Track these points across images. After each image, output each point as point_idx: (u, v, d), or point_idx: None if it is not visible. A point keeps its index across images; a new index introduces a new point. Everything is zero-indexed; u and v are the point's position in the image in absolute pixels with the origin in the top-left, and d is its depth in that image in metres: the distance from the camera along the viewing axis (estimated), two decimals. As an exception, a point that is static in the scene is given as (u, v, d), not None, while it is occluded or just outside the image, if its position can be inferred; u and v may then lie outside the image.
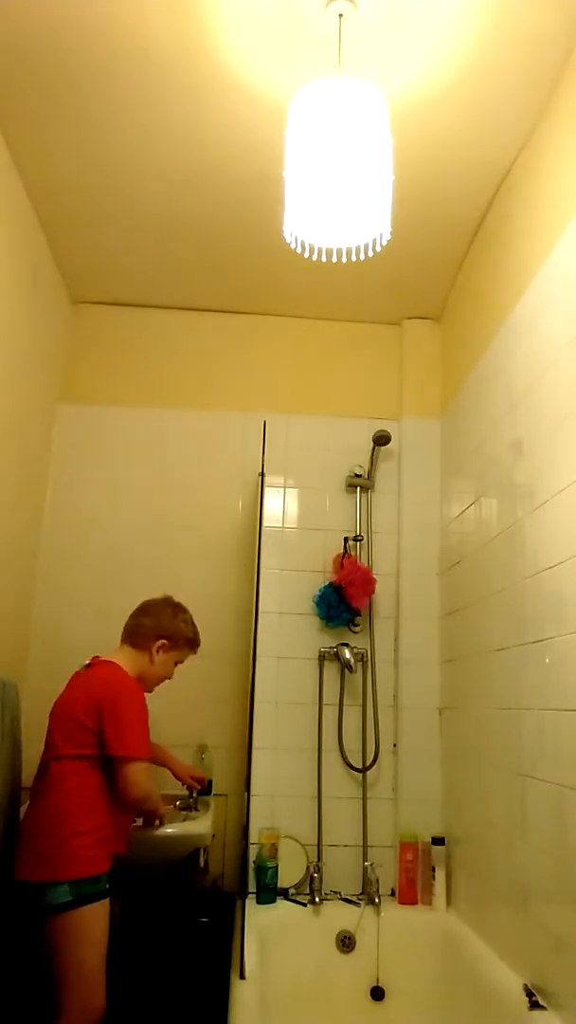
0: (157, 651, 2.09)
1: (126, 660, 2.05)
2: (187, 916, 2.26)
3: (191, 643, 2.17)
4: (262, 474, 2.75)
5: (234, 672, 2.76)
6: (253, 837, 2.54)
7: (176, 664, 2.16)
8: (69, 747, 1.86)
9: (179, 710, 2.67)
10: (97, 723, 1.86)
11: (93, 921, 1.77)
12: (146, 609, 2.16)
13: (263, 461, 2.57)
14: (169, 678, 2.17)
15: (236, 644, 2.76)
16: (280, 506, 2.93)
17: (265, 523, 2.89)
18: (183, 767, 2.41)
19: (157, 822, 2.11)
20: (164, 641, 2.09)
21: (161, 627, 2.10)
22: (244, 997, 1.77)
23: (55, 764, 1.87)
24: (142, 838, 2.14)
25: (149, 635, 2.09)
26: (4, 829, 1.94)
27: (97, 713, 1.87)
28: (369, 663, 2.76)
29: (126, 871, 2.22)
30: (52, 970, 1.76)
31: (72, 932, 1.75)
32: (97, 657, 2.06)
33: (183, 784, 2.39)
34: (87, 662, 2.06)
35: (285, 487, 2.95)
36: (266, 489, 2.93)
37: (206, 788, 2.44)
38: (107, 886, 1.82)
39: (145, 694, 2.01)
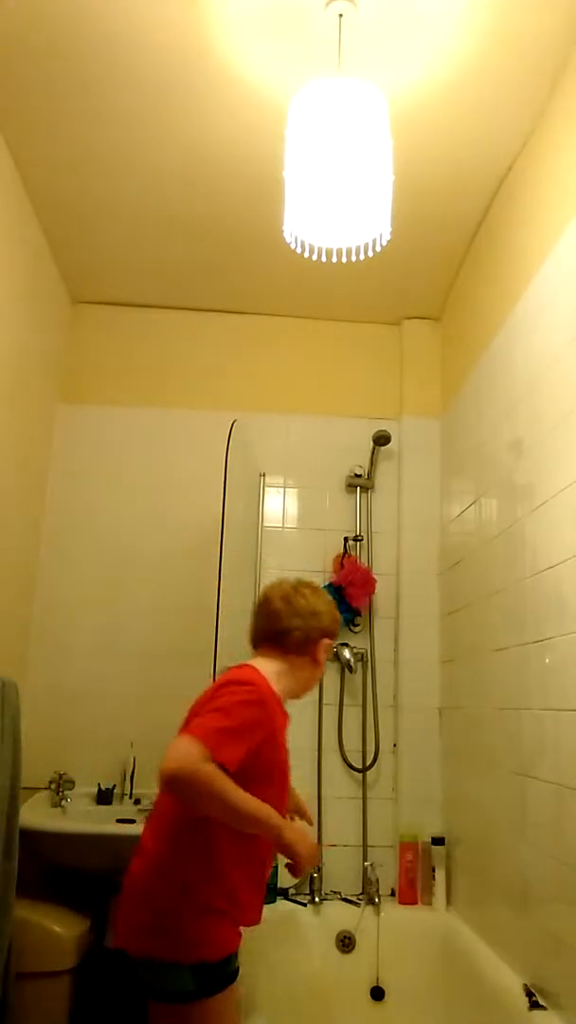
0: (324, 651, 1.63)
1: (273, 671, 1.56)
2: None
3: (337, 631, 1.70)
4: (262, 474, 2.75)
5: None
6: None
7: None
8: None
9: (179, 710, 2.67)
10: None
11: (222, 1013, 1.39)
12: (291, 606, 1.61)
13: (225, 460, 2.55)
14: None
15: (236, 644, 2.76)
16: (280, 506, 2.93)
17: (265, 523, 2.89)
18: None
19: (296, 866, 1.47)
20: (328, 640, 1.63)
21: (320, 625, 1.62)
22: (244, 996, 1.77)
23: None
24: (137, 837, 2.14)
25: (313, 635, 1.60)
26: (4, 829, 1.94)
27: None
28: (369, 663, 2.76)
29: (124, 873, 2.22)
30: None
31: None
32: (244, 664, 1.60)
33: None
34: (230, 666, 1.64)
35: (285, 487, 2.95)
36: (266, 489, 2.94)
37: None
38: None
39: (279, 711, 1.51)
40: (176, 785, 1.27)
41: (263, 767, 1.41)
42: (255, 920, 1.47)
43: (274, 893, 2.44)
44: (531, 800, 1.81)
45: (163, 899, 1.38)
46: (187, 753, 1.29)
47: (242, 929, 1.45)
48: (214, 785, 1.27)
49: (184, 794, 1.29)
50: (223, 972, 1.38)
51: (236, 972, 1.42)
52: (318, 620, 1.61)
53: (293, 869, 1.46)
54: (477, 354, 2.48)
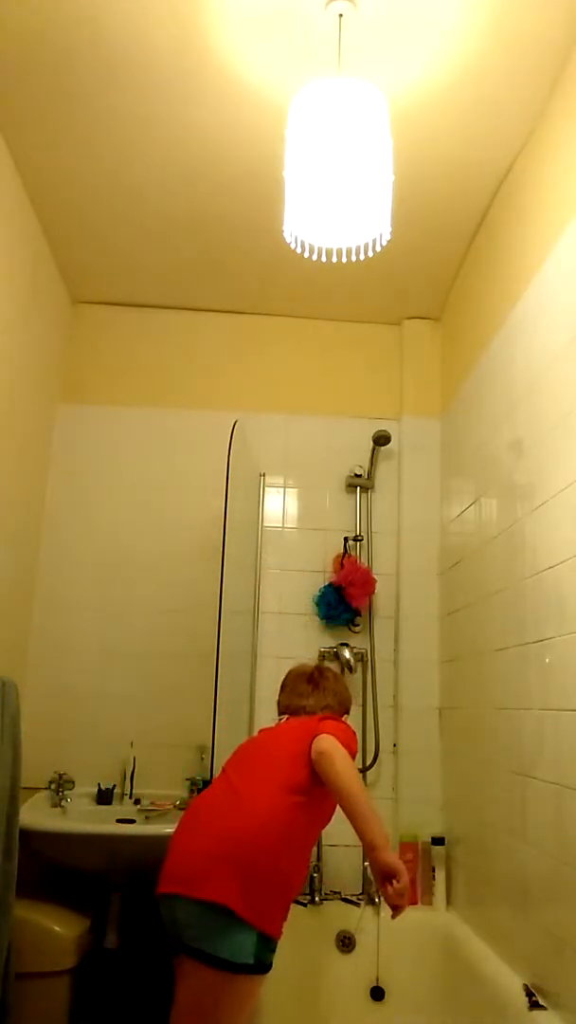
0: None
1: None
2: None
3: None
4: (262, 474, 2.75)
5: (235, 672, 2.75)
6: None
7: None
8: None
9: (179, 710, 2.68)
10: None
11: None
12: (318, 685, 1.96)
13: (228, 460, 2.55)
14: None
15: (237, 644, 2.76)
16: (280, 506, 2.93)
17: (265, 523, 2.89)
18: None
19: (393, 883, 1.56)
20: (347, 714, 1.98)
21: (346, 699, 1.99)
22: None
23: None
24: (140, 838, 2.15)
25: (337, 711, 1.94)
26: (4, 829, 1.94)
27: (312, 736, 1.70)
28: (369, 663, 2.76)
29: (125, 872, 2.23)
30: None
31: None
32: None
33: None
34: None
35: (285, 487, 2.95)
36: (266, 489, 2.94)
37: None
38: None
39: None
40: (334, 755, 1.61)
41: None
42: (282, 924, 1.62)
43: None
44: (531, 800, 1.81)
45: (263, 871, 1.53)
46: (335, 745, 1.63)
47: None
48: (353, 767, 1.61)
49: (335, 764, 1.59)
50: (272, 954, 1.52)
51: (271, 965, 1.53)
52: (342, 696, 1.99)
53: (392, 900, 1.56)
54: (477, 354, 2.48)
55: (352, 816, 1.56)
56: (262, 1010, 1.78)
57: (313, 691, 1.93)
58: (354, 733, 1.78)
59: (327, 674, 1.98)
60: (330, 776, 1.59)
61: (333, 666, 2.75)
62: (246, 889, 1.49)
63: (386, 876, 1.52)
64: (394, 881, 1.51)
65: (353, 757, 1.69)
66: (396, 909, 1.53)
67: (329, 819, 1.73)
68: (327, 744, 1.63)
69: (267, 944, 1.50)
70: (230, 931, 1.46)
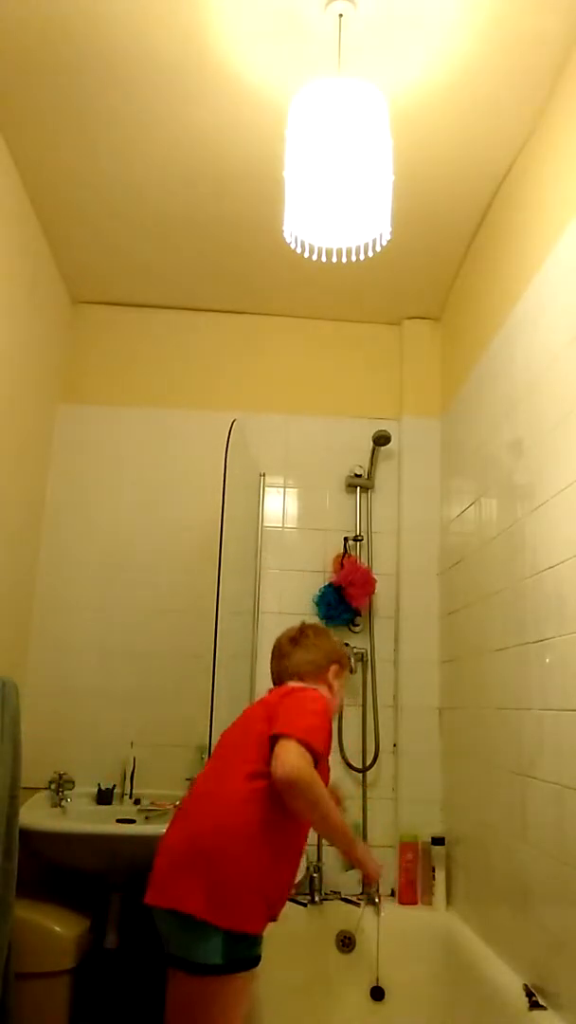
0: (336, 675, 1.84)
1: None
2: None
3: (350, 661, 1.98)
4: (262, 474, 2.75)
5: (235, 672, 2.75)
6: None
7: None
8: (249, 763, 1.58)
9: (179, 710, 2.68)
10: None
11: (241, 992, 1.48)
12: (298, 642, 1.86)
13: (225, 460, 2.55)
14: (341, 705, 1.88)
15: (237, 645, 2.76)
16: (280, 506, 2.93)
17: (265, 523, 2.89)
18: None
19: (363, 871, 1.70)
20: (336, 665, 1.85)
21: (329, 652, 1.86)
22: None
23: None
24: (140, 838, 2.15)
25: (322, 663, 1.82)
26: (4, 829, 1.94)
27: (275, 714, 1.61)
28: (369, 663, 2.76)
29: (125, 872, 2.23)
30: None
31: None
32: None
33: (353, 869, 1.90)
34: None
35: (285, 487, 2.95)
36: (266, 489, 2.94)
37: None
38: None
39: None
40: (293, 790, 1.46)
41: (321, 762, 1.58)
42: (282, 905, 1.59)
43: None
44: (531, 800, 1.81)
45: (224, 866, 1.47)
46: (300, 762, 1.47)
47: None
48: (322, 797, 1.48)
49: (297, 799, 1.47)
50: (249, 951, 1.47)
51: (258, 959, 1.50)
52: (325, 647, 1.87)
53: (367, 879, 1.76)
54: (477, 354, 2.48)
55: (324, 837, 1.65)
56: (262, 1010, 1.78)
57: (294, 648, 1.85)
58: (323, 707, 1.63)
59: (308, 631, 1.89)
60: (295, 811, 1.51)
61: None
62: (210, 890, 1.44)
63: (365, 867, 1.67)
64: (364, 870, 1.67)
65: (325, 737, 1.57)
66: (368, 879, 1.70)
67: None
68: (283, 771, 1.45)
69: (239, 942, 1.44)
70: (197, 935, 1.43)
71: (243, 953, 1.45)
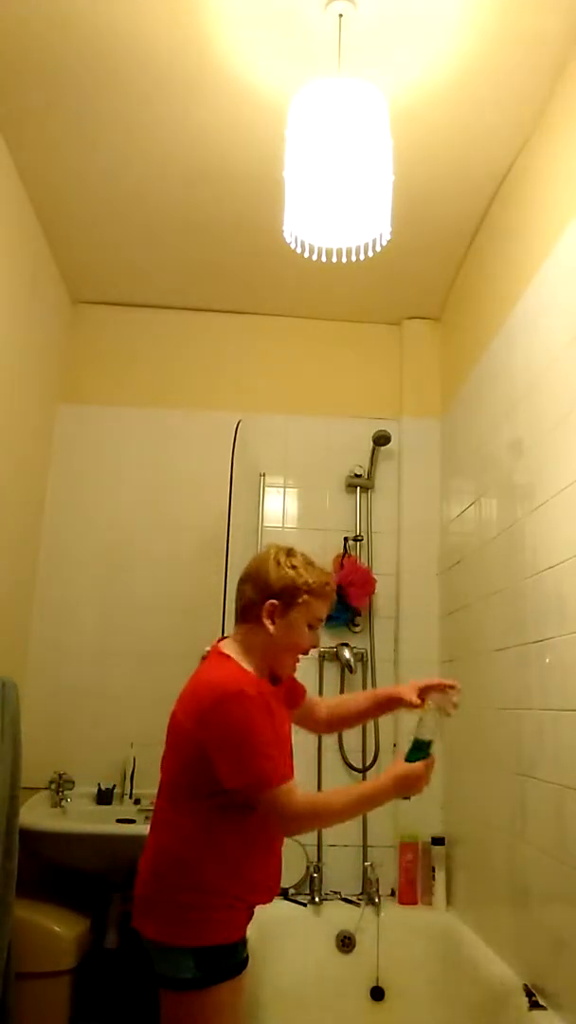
0: (269, 618, 1.50)
1: (239, 645, 1.53)
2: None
3: (315, 591, 1.52)
4: (262, 474, 2.75)
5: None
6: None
7: (311, 627, 1.54)
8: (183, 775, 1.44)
9: (179, 710, 2.67)
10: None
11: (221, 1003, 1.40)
12: (245, 572, 1.58)
13: (232, 459, 2.54)
14: (313, 646, 1.56)
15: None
16: (280, 506, 2.93)
17: (265, 523, 2.89)
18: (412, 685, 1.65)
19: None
20: (274, 602, 1.50)
21: (266, 585, 1.51)
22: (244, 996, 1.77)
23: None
24: (140, 838, 2.15)
25: (255, 601, 1.52)
26: (4, 829, 1.94)
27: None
28: (369, 663, 2.76)
29: (124, 872, 2.23)
30: None
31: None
32: (218, 643, 1.58)
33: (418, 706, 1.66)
34: (207, 648, 1.59)
35: (285, 487, 2.95)
36: (266, 489, 2.94)
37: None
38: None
39: (268, 687, 1.49)
40: (303, 831, 1.51)
41: None
42: (269, 897, 1.49)
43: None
44: (531, 800, 1.81)
45: (169, 883, 1.40)
46: (285, 811, 1.38)
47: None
48: (323, 814, 1.44)
49: (313, 829, 1.43)
50: (228, 960, 1.39)
51: (244, 962, 1.43)
52: (262, 579, 1.51)
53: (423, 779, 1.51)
54: (477, 354, 2.48)
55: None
56: (262, 1010, 1.78)
57: (238, 587, 1.58)
58: (242, 730, 1.36)
59: (258, 556, 1.59)
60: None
61: (333, 666, 2.76)
62: (167, 913, 1.39)
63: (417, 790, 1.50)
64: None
65: (270, 764, 1.37)
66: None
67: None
68: (287, 833, 1.44)
69: (209, 956, 1.37)
70: (167, 955, 1.39)
71: (220, 964, 1.38)
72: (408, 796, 1.53)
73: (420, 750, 1.52)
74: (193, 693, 1.46)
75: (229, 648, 1.52)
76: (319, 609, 1.54)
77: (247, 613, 1.54)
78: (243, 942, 1.44)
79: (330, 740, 2.70)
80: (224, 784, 1.37)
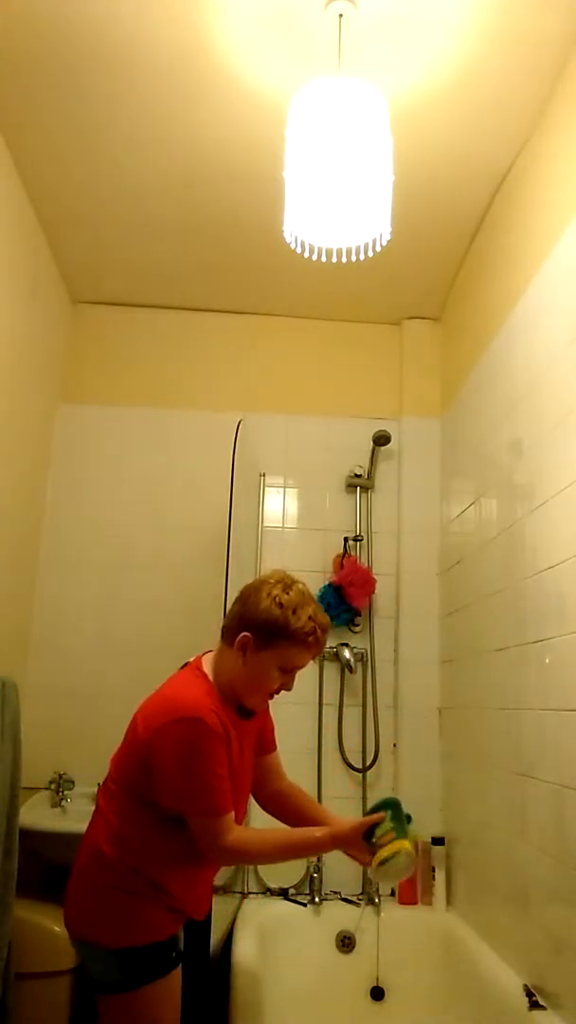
0: (241, 650, 1.44)
1: (217, 663, 1.50)
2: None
3: (296, 638, 1.42)
4: (262, 474, 2.75)
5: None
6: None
7: (284, 671, 1.45)
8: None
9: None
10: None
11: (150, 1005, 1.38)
12: (242, 591, 1.52)
13: (233, 458, 2.51)
14: (285, 690, 1.49)
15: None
16: (280, 506, 2.93)
17: (265, 523, 2.89)
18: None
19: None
20: (247, 635, 1.43)
21: (248, 615, 1.45)
22: (244, 997, 1.77)
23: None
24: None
25: (235, 627, 1.46)
26: (4, 829, 1.94)
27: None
28: (369, 663, 2.76)
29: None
30: None
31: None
32: (201, 656, 1.55)
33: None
34: (191, 659, 1.56)
35: (285, 487, 2.95)
36: (266, 489, 2.94)
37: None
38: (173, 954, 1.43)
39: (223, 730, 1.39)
40: (227, 864, 1.50)
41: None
42: (197, 913, 1.48)
43: None
44: (531, 800, 1.81)
45: (90, 881, 1.41)
46: (214, 843, 1.35)
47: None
48: (259, 853, 1.46)
49: (237, 864, 1.44)
50: (152, 960, 1.37)
51: (173, 961, 1.41)
52: (249, 606, 1.45)
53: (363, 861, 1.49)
54: (477, 354, 2.48)
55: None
56: (262, 1010, 1.78)
57: (233, 602, 1.54)
58: (190, 760, 1.32)
59: (254, 582, 1.52)
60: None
61: (333, 666, 2.76)
62: (88, 917, 1.40)
63: (351, 855, 1.49)
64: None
65: (215, 795, 1.33)
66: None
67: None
68: (217, 863, 1.46)
69: (132, 957, 1.36)
70: (93, 957, 1.39)
71: (144, 965, 1.36)
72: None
73: (381, 840, 1.44)
74: (157, 703, 1.43)
75: (207, 666, 1.49)
76: (297, 657, 1.44)
77: (227, 634, 1.49)
78: (171, 941, 1.41)
79: (330, 740, 2.70)
80: (160, 801, 1.36)
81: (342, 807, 2.64)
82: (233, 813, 1.37)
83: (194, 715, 1.34)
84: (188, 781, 1.34)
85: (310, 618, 1.43)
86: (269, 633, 1.42)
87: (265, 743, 1.65)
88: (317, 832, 1.47)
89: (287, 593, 1.45)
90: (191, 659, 1.54)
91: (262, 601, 1.43)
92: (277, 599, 1.43)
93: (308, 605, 1.46)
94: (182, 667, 1.54)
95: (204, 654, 1.54)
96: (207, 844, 1.36)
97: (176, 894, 1.41)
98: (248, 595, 1.47)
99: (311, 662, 1.50)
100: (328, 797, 2.64)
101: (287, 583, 1.48)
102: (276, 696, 1.51)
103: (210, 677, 1.46)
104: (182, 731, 1.33)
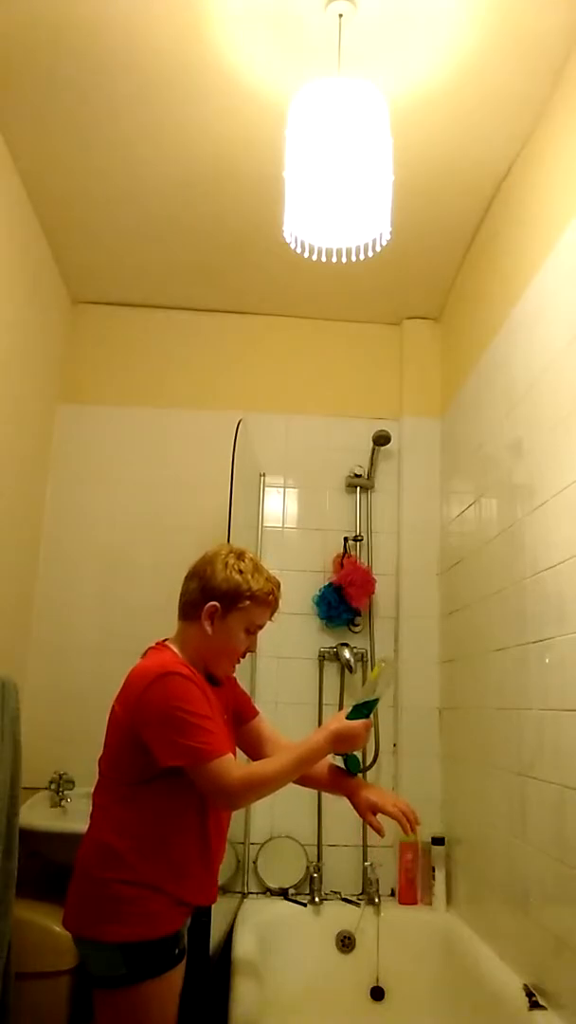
0: (208, 619, 1.52)
1: (180, 640, 1.57)
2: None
3: (258, 598, 1.53)
4: (262, 474, 2.74)
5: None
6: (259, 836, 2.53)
7: (249, 632, 1.56)
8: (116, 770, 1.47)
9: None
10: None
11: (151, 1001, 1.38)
12: (192, 569, 1.60)
13: (232, 458, 2.53)
14: (249, 651, 1.60)
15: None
16: (280, 506, 2.93)
17: (265, 523, 2.89)
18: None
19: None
20: (215, 604, 1.52)
21: (209, 586, 1.53)
22: (244, 996, 1.77)
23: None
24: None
25: (197, 601, 1.54)
26: (4, 829, 1.94)
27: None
28: (369, 663, 2.76)
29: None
30: None
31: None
32: (156, 643, 1.61)
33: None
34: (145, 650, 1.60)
35: (285, 487, 2.95)
36: (266, 489, 2.94)
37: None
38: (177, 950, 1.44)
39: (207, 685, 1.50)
40: (243, 804, 1.51)
41: None
42: (206, 899, 1.48)
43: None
44: (531, 800, 1.81)
45: (98, 876, 1.41)
46: (223, 784, 1.37)
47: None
48: (262, 781, 1.42)
49: (253, 800, 1.46)
50: (159, 954, 1.38)
51: (178, 955, 1.42)
52: (208, 579, 1.53)
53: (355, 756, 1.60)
54: (477, 354, 2.48)
55: (305, 771, 1.50)
56: (262, 1010, 1.78)
57: (184, 583, 1.60)
58: (177, 712, 1.37)
59: (206, 555, 1.60)
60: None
61: (333, 666, 2.76)
62: (91, 914, 1.40)
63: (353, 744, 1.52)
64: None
65: (207, 737, 1.37)
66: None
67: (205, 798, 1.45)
68: (223, 806, 1.46)
69: (137, 951, 1.36)
70: (97, 953, 1.39)
71: (149, 959, 1.37)
72: (346, 755, 1.59)
73: (363, 708, 1.55)
74: (128, 683, 1.47)
75: (169, 643, 1.56)
76: (259, 616, 1.56)
77: (188, 610, 1.56)
78: (176, 936, 1.42)
79: (330, 740, 2.70)
80: (160, 762, 1.37)
81: (342, 807, 2.64)
82: (231, 755, 1.41)
83: (166, 670, 1.41)
84: (178, 730, 1.37)
85: (267, 579, 1.57)
86: (234, 598, 1.52)
87: (245, 710, 1.70)
88: (314, 736, 1.51)
89: (242, 560, 1.56)
90: (145, 650, 1.58)
91: (220, 572, 1.53)
92: (235, 566, 1.54)
93: (261, 568, 1.58)
94: (141, 658, 1.57)
95: (160, 641, 1.59)
96: (217, 789, 1.38)
97: (183, 876, 1.42)
98: (203, 569, 1.56)
99: (270, 621, 1.61)
100: (328, 797, 2.64)
101: (238, 552, 1.59)
102: (243, 660, 1.62)
103: (173, 648, 1.53)
104: (159, 688, 1.39)
